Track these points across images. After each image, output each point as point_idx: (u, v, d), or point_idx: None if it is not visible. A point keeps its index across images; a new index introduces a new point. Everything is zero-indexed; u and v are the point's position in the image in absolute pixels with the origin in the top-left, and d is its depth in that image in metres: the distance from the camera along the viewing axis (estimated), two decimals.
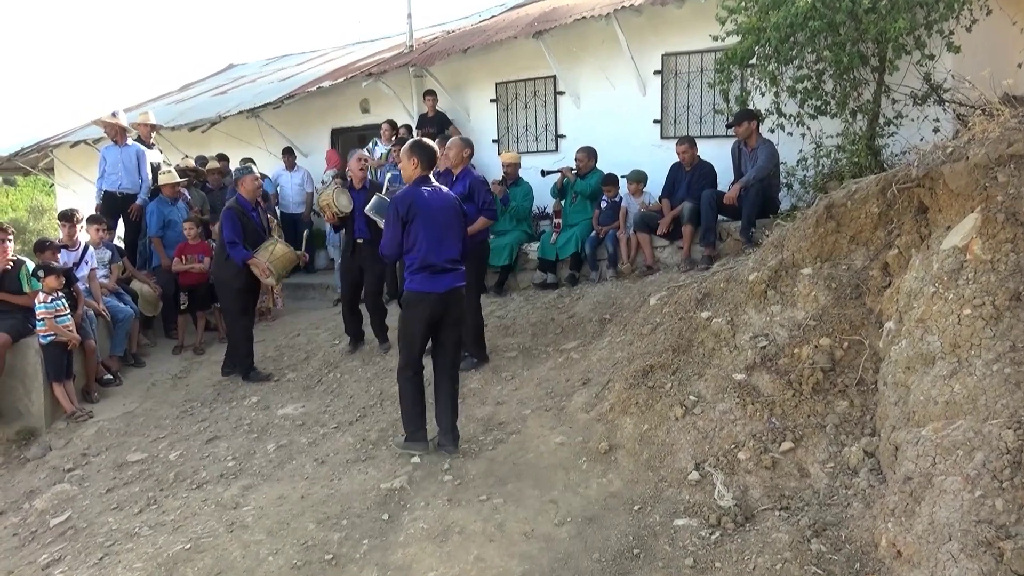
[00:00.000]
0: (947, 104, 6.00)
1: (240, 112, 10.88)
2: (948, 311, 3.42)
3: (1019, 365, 3.03)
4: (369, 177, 7.22)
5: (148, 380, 7.10)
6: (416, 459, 4.53)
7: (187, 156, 10.08)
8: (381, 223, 4.99)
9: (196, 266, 7.73)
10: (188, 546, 3.95)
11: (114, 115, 8.33)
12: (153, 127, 8.98)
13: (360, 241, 6.60)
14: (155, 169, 8.41)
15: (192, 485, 4.85)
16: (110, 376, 7.02)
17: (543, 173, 7.99)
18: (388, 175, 7.52)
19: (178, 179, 8.29)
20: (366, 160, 6.99)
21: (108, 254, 7.59)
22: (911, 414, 3.35)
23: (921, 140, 5.36)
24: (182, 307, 7.84)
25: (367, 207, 5.26)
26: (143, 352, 7.72)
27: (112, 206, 8.27)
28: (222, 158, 9.95)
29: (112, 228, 8.06)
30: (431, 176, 4.70)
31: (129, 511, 4.63)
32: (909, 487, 3.02)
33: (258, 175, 6.99)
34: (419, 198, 4.48)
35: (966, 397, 3.11)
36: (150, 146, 8.73)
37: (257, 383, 6.51)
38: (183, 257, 7.77)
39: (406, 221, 4.45)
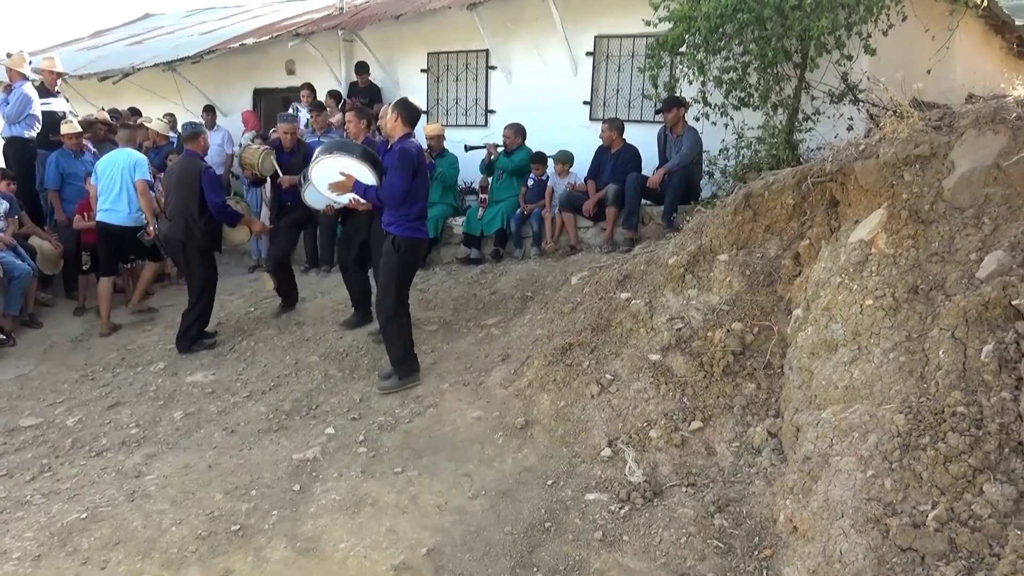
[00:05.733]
0: (861, 104, 6.26)
1: (156, 64, 10.34)
2: (852, 301, 3.60)
3: (913, 354, 3.21)
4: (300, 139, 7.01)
5: (46, 342, 6.74)
6: (330, 430, 4.48)
7: (103, 108, 9.49)
8: (330, 160, 5.07)
9: None
10: (84, 515, 3.79)
11: (9, 56, 7.75)
12: (59, 74, 8.38)
13: (288, 204, 6.52)
14: (60, 119, 7.88)
15: (91, 452, 4.64)
16: (3, 336, 6.61)
17: (467, 148, 7.92)
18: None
19: (79, 130, 7.78)
20: (296, 129, 6.83)
21: (5, 206, 7.09)
22: (813, 397, 3.52)
23: (836, 137, 5.57)
24: (84, 267, 7.44)
25: (329, 143, 5.50)
26: (40, 312, 7.31)
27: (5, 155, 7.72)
28: (134, 112, 9.43)
29: (11, 178, 7.52)
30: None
31: (20, 478, 4.40)
32: (807, 466, 3.17)
33: (207, 133, 6.67)
34: (420, 153, 4.95)
35: (864, 383, 3.29)
36: (55, 94, 8.17)
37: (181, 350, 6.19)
38: (84, 214, 7.32)
39: (415, 172, 4.80)
